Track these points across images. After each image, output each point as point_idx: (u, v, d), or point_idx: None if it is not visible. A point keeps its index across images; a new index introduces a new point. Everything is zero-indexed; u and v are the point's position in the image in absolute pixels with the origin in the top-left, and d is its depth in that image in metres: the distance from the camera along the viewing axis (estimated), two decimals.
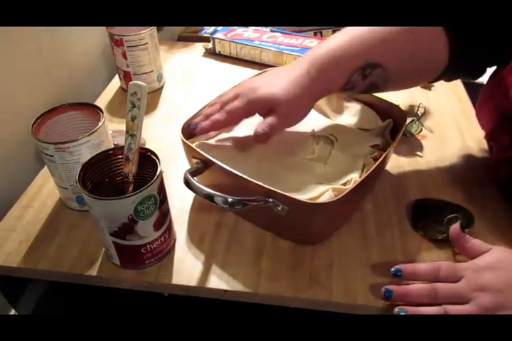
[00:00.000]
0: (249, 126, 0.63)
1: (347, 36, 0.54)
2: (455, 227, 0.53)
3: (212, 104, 0.61)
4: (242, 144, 0.60)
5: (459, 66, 0.55)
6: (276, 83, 0.55)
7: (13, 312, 0.66)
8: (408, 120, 0.71)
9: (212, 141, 0.62)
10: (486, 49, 0.53)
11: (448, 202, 0.61)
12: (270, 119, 0.54)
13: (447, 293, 0.47)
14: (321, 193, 0.53)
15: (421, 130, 0.74)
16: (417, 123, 0.75)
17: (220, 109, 0.58)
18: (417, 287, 0.48)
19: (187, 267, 0.55)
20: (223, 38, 0.95)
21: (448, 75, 0.57)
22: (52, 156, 0.55)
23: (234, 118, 0.58)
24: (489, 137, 0.69)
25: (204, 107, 0.62)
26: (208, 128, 0.58)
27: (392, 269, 0.51)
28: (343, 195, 0.50)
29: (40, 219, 0.61)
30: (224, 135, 0.63)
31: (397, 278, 0.50)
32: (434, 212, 0.59)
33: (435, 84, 0.87)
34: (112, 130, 0.69)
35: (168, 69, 0.92)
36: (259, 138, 0.54)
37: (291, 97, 0.53)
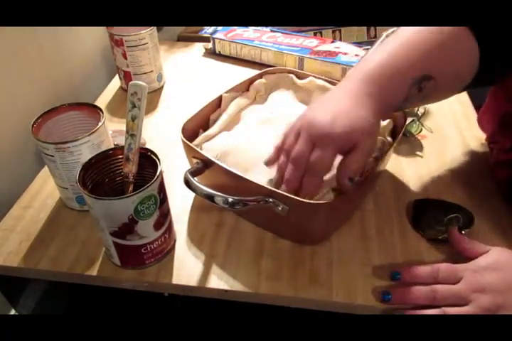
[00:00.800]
0: (249, 126, 0.63)
1: (393, 49, 0.50)
2: (453, 230, 0.53)
3: (283, 160, 0.51)
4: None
5: (489, 67, 0.51)
6: (342, 115, 0.47)
7: (13, 312, 0.66)
8: (408, 120, 0.71)
9: (212, 141, 0.62)
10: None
11: (448, 202, 0.61)
12: (354, 162, 0.48)
13: (446, 295, 0.47)
14: (322, 193, 0.53)
15: (421, 130, 0.74)
16: (417, 123, 0.75)
17: (297, 167, 0.49)
18: (416, 289, 0.48)
19: (187, 267, 0.55)
20: (223, 38, 0.95)
21: (477, 80, 0.52)
22: (52, 156, 0.55)
23: (324, 171, 0.49)
24: (490, 139, 0.69)
25: (270, 160, 0.54)
26: (315, 187, 0.50)
27: (391, 273, 0.51)
28: (343, 195, 0.50)
29: (41, 219, 0.61)
30: (224, 134, 0.63)
31: (396, 282, 0.51)
32: (434, 212, 0.59)
33: None
34: (112, 130, 0.69)
35: (168, 70, 0.92)
36: (348, 189, 0.49)
37: (366, 128, 0.47)
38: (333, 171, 0.57)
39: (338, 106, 0.49)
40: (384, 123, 0.64)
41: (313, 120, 0.48)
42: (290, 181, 0.49)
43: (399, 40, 0.51)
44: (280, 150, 0.52)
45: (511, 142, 0.61)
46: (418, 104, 0.57)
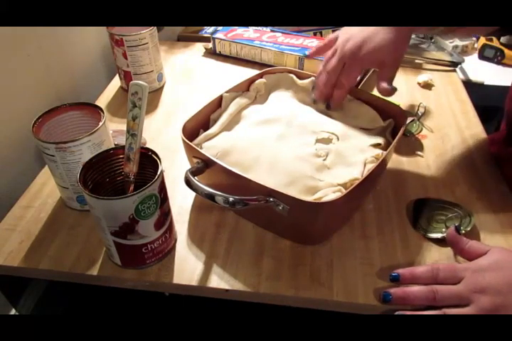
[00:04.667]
0: (249, 126, 0.63)
1: None
2: (451, 231, 0.53)
3: (322, 75, 0.64)
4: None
5: None
6: (370, 37, 0.58)
7: (13, 311, 0.66)
8: (408, 120, 0.71)
9: (213, 141, 0.62)
10: None
11: (448, 202, 0.61)
12: (387, 73, 0.60)
13: (447, 295, 0.47)
14: (323, 192, 0.53)
15: (421, 130, 0.74)
16: (418, 123, 0.75)
17: (332, 77, 0.62)
18: (416, 289, 0.48)
19: (188, 266, 0.55)
20: (223, 37, 0.95)
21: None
22: (53, 156, 0.55)
23: (352, 82, 0.63)
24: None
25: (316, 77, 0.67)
26: (339, 98, 0.64)
27: (390, 275, 0.51)
28: (344, 194, 0.50)
29: (41, 218, 0.61)
30: (224, 134, 0.63)
31: (396, 283, 0.51)
32: (434, 211, 0.60)
33: (435, 83, 0.87)
34: (113, 130, 0.69)
35: (168, 69, 0.92)
36: (388, 93, 0.60)
37: (391, 45, 0.57)
38: (334, 171, 0.57)
39: (368, 29, 0.59)
40: (385, 123, 0.65)
41: (347, 40, 0.60)
42: (322, 89, 0.64)
43: None
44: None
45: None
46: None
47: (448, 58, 0.94)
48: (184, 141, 0.57)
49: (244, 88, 0.69)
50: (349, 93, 0.66)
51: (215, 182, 0.55)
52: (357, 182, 0.52)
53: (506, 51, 1.30)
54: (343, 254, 0.56)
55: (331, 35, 0.69)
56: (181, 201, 0.63)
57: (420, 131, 0.74)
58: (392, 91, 0.60)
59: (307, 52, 0.80)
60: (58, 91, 0.79)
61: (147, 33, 0.79)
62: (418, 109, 0.78)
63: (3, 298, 0.64)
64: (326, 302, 0.51)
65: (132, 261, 0.54)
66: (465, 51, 0.98)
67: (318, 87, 0.65)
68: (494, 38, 1.03)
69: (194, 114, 0.62)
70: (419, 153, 0.71)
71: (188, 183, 0.51)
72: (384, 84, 0.59)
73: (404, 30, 0.58)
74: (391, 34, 0.57)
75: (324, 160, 0.58)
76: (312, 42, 0.91)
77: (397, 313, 0.48)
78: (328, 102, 0.66)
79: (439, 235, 0.57)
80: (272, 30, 0.97)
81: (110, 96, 0.86)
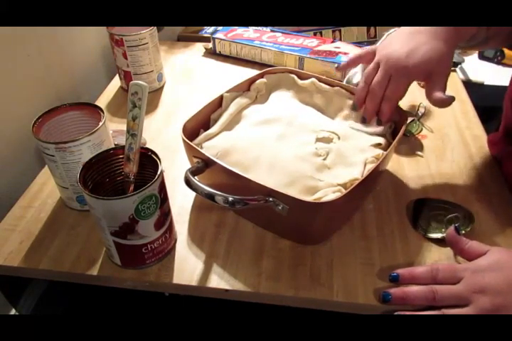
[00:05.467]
0: (250, 126, 0.63)
1: None
2: (450, 231, 0.52)
3: (363, 89, 0.61)
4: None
5: None
6: (417, 48, 0.56)
7: (13, 311, 0.66)
8: (409, 120, 0.71)
9: (213, 140, 0.62)
10: None
11: (448, 202, 0.61)
12: (439, 83, 0.56)
13: (446, 295, 0.47)
14: (323, 192, 0.53)
15: (421, 130, 0.74)
16: (418, 123, 0.75)
17: (378, 92, 0.59)
18: (415, 289, 0.48)
19: (188, 266, 0.55)
20: (223, 37, 0.95)
21: None
22: (53, 156, 0.55)
23: (400, 95, 0.60)
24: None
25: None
26: (388, 112, 0.60)
27: (389, 275, 0.51)
28: (344, 194, 0.50)
29: (41, 218, 0.61)
30: (225, 134, 0.63)
31: (395, 283, 0.51)
32: (434, 211, 0.60)
33: None
34: (113, 130, 0.69)
35: (168, 69, 0.92)
36: (446, 103, 0.56)
37: (440, 56, 0.56)
38: (334, 171, 0.57)
39: (413, 39, 0.57)
40: (384, 127, 0.65)
41: (391, 54, 0.58)
42: (369, 105, 0.61)
43: None
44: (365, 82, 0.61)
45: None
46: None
47: None
48: (184, 141, 0.57)
49: (244, 88, 0.69)
50: (352, 93, 0.66)
51: (215, 182, 0.55)
52: (357, 182, 0.52)
53: (506, 51, 1.30)
54: (343, 254, 0.56)
55: (366, 48, 0.65)
56: (181, 201, 0.63)
57: (420, 131, 0.74)
58: (451, 100, 0.56)
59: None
60: (58, 92, 0.79)
61: (147, 33, 0.79)
62: (418, 109, 0.78)
63: (3, 298, 0.64)
64: (326, 302, 0.51)
65: (132, 261, 0.54)
66: (465, 51, 0.98)
67: (361, 101, 0.62)
68: None
69: (194, 114, 0.62)
70: (419, 153, 0.71)
71: (188, 183, 0.51)
72: (440, 94, 0.56)
73: (451, 41, 0.56)
74: (438, 45, 0.56)
75: (324, 159, 0.58)
76: (312, 42, 0.91)
77: (396, 314, 0.48)
78: (363, 115, 0.63)
79: (439, 235, 0.57)
80: (272, 30, 0.97)
81: (110, 97, 0.86)
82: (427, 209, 0.60)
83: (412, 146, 0.72)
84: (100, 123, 0.56)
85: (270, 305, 0.53)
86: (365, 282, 0.52)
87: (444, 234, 0.55)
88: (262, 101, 0.70)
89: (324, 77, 0.69)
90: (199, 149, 0.56)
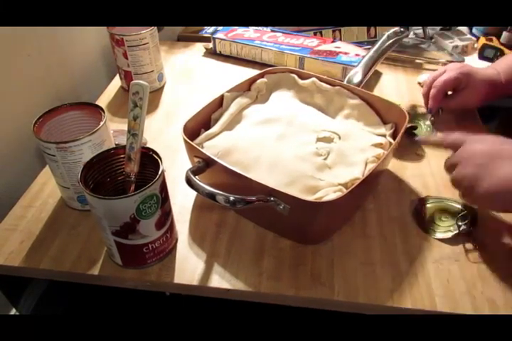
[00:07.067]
0: (250, 126, 0.63)
1: None
2: (423, 138, 0.64)
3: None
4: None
5: None
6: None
7: (13, 311, 0.66)
8: (428, 116, 0.74)
9: (213, 140, 0.62)
10: None
11: (450, 201, 0.61)
12: None
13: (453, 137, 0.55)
14: (323, 192, 0.53)
15: (431, 132, 0.73)
16: (431, 127, 0.74)
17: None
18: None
19: (189, 266, 0.55)
20: (224, 37, 0.95)
21: None
22: (53, 156, 0.55)
23: None
24: None
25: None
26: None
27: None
28: (345, 193, 0.50)
29: (42, 218, 0.61)
30: (225, 133, 0.63)
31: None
32: (435, 211, 0.60)
33: None
34: (113, 130, 0.69)
35: (168, 69, 0.92)
36: None
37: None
38: (335, 170, 0.57)
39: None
40: (386, 128, 0.65)
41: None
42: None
43: None
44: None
45: None
46: None
47: (448, 58, 0.94)
48: (185, 141, 0.57)
49: (245, 88, 0.69)
50: (352, 93, 0.66)
51: (216, 181, 0.55)
52: (358, 181, 0.52)
53: (506, 51, 1.30)
54: (344, 254, 0.56)
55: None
56: (182, 201, 0.63)
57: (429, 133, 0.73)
58: None
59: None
60: (58, 91, 0.79)
61: (148, 33, 0.79)
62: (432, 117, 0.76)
63: (3, 298, 0.64)
64: (327, 301, 0.51)
65: (133, 261, 0.54)
66: (465, 51, 0.98)
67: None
68: (494, 38, 1.03)
69: (195, 114, 0.62)
70: (419, 152, 0.71)
71: (189, 182, 0.51)
72: None
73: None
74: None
75: (325, 159, 0.58)
76: (312, 42, 0.91)
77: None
78: None
79: (440, 234, 0.57)
80: (272, 30, 0.97)
81: (111, 96, 0.86)
82: (428, 208, 0.60)
83: (412, 146, 0.72)
84: (101, 123, 0.56)
85: (271, 304, 0.53)
86: (365, 281, 0.52)
87: (445, 234, 0.56)
88: (263, 101, 0.70)
89: (325, 77, 0.69)
90: (200, 149, 0.56)
